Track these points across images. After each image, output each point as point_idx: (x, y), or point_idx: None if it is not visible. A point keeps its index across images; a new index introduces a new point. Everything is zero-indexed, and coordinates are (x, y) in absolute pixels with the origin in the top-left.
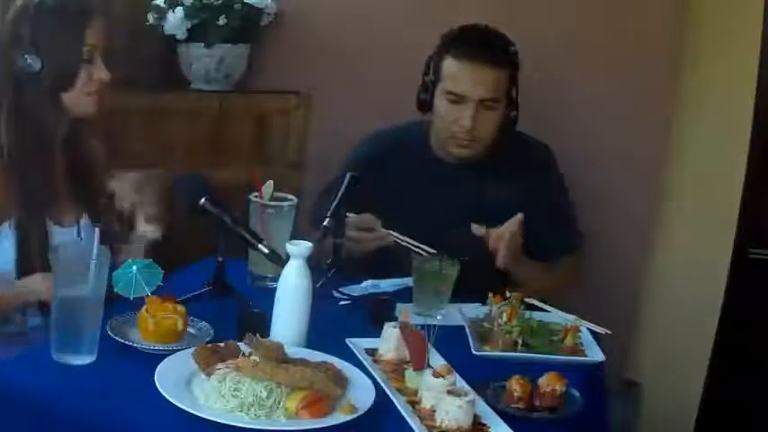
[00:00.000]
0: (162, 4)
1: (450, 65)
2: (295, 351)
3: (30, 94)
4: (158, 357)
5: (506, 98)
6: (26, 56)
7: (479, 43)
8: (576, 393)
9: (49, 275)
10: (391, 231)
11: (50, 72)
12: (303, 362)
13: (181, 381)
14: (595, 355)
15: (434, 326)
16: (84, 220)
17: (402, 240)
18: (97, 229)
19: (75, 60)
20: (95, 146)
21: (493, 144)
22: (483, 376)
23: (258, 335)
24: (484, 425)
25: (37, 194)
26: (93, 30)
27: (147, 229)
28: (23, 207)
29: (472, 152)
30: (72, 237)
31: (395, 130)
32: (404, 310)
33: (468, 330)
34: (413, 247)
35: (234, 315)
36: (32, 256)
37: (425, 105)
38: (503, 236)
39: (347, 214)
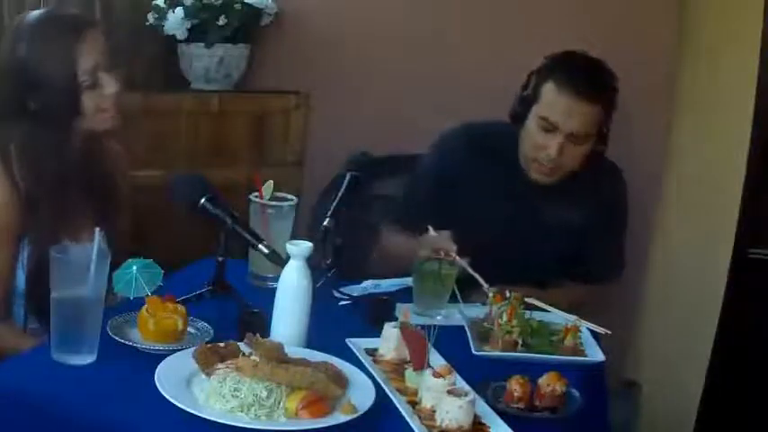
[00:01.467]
0: (162, 4)
1: (549, 91)
2: (295, 351)
3: (39, 129)
4: (158, 357)
5: (597, 133)
6: (26, 100)
7: (583, 76)
8: (576, 393)
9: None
10: (463, 261)
11: (51, 109)
12: (303, 362)
13: (181, 381)
14: (595, 355)
15: (434, 326)
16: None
17: (468, 270)
18: (97, 230)
19: (75, 90)
20: (115, 157)
21: (573, 171)
22: (483, 376)
23: (258, 335)
24: (484, 425)
25: (52, 220)
26: (89, 48)
27: None
28: (38, 233)
29: (552, 180)
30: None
31: (486, 127)
32: (404, 310)
33: (468, 330)
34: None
35: (234, 315)
36: (43, 277)
37: (517, 119)
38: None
39: (428, 228)
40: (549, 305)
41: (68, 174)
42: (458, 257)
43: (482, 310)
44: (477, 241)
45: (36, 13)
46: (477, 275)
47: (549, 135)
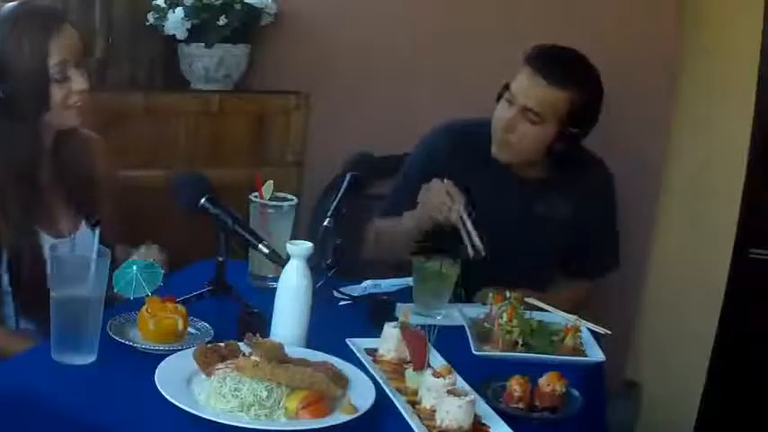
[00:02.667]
0: (162, 4)
1: (522, 71)
2: (295, 351)
3: (5, 120)
4: (158, 357)
5: (557, 120)
6: None
7: (553, 60)
8: (576, 393)
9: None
10: (463, 214)
11: (20, 99)
12: (303, 362)
13: (181, 381)
14: (595, 355)
15: (434, 326)
16: (82, 230)
17: (465, 225)
18: (98, 230)
19: (44, 83)
20: (91, 151)
21: (548, 161)
22: (483, 376)
23: (258, 335)
24: (484, 425)
25: (23, 211)
26: (62, 43)
27: None
28: (12, 227)
29: (509, 157)
30: (67, 249)
31: (469, 125)
32: (404, 310)
33: (468, 330)
34: (468, 236)
35: (234, 315)
36: (23, 272)
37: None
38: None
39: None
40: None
41: (38, 166)
42: (462, 208)
43: (482, 310)
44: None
45: (10, 4)
46: (472, 230)
47: (508, 107)
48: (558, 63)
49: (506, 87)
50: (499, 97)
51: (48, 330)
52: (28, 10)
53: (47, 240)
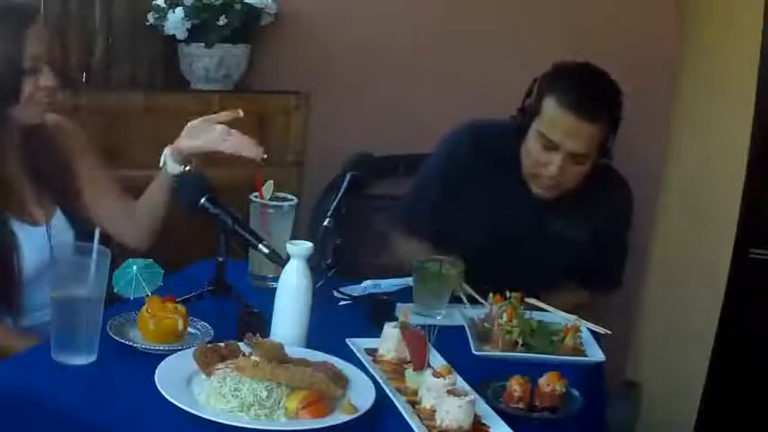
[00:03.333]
0: (162, 4)
1: (549, 106)
2: (295, 351)
3: None
4: (158, 357)
5: (598, 150)
6: None
7: (585, 94)
8: (576, 393)
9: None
10: (466, 286)
11: None
12: (303, 362)
13: (181, 381)
14: (595, 355)
15: (434, 326)
16: (56, 219)
17: (470, 295)
18: (97, 230)
19: (17, 73)
20: (58, 141)
21: (576, 187)
22: (483, 376)
23: (258, 335)
24: (484, 425)
25: None
26: (35, 39)
27: None
28: None
29: (552, 195)
30: (41, 236)
31: (492, 128)
32: (404, 310)
33: (468, 330)
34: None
35: (234, 315)
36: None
37: (519, 131)
38: None
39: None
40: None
41: (4, 158)
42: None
43: (482, 311)
44: (478, 247)
45: None
46: (478, 298)
47: (550, 153)
48: (592, 95)
49: (524, 113)
50: (518, 129)
51: (16, 315)
52: (3, 4)
53: (20, 227)
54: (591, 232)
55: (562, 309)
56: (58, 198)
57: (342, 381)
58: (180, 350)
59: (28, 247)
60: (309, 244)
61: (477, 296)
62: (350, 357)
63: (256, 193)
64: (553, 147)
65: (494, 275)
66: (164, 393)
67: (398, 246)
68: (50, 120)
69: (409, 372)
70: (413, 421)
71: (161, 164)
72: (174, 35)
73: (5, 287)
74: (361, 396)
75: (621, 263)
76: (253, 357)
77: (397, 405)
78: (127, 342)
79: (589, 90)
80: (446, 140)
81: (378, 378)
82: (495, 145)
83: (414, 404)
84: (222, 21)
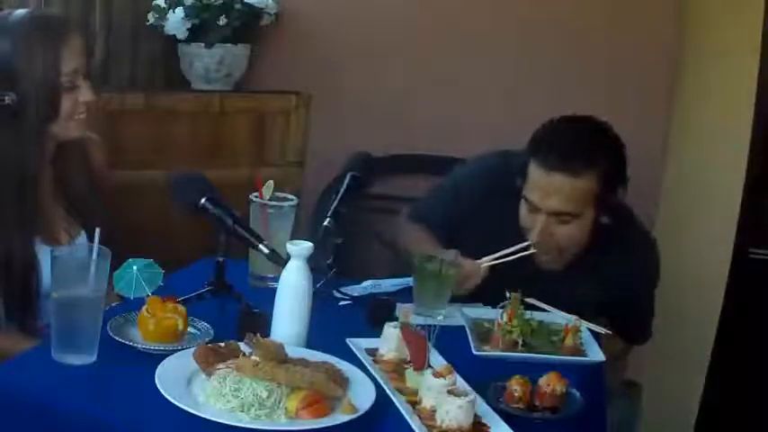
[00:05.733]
0: (162, 4)
1: (531, 169)
2: (295, 351)
3: (11, 127)
4: (158, 357)
5: (594, 207)
6: (5, 93)
7: (561, 149)
8: (576, 393)
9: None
10: (485, 266)
11: (31, 106)
12: (303, 362)
13: (181, 381)
14: (595, 355)
15: (434, 326)
16: (80, 238)
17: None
18: (98, 230)
19: (56, 91)
20: (89, 158)
21: (582, 248)
22: (483, 376)
23: (258, 335)
24: (484, 425)
25: (22, 221)
26: (71, 52)
27: None
28: (7, 234)
29: (557, 264)
30: None
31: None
32: (404, 310)
33: (468, 330)
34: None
35: (234, 315)
36: (15, 283)
37: (520, 191)
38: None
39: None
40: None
41: (40, 176)
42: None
43: (484, 311)
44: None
45: (21, 12)
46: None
47: (533, 215)
48: (570, 149)
49: (520, 177)
50: (518, 191)
51: (29, 329)
52: (40, 17)
53: (44, 250)
54: (613, 291)
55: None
56: (85, 220)
57: (342, 381)
58: (180, 350)
59: (47, 264)
60: (309, 244)
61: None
62: (350, 357)
63: (256, 193)
64: (534, 209)
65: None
66: (164, 393)
67: (404, 231)
68: (82, 134)
69: (409, 372)
70: (413, 421)
71: None
72: (174, 35)
73: (23, 307)
74: (361, 396)
75: (648, 316)
76: (253, 357)
77: (397, 405)
78: (127, 342)
79: (567, 145)
80: (477, 166)
81: (378, 378)
82: (516, 182)
83: (414, 404)
84: (222, 21)
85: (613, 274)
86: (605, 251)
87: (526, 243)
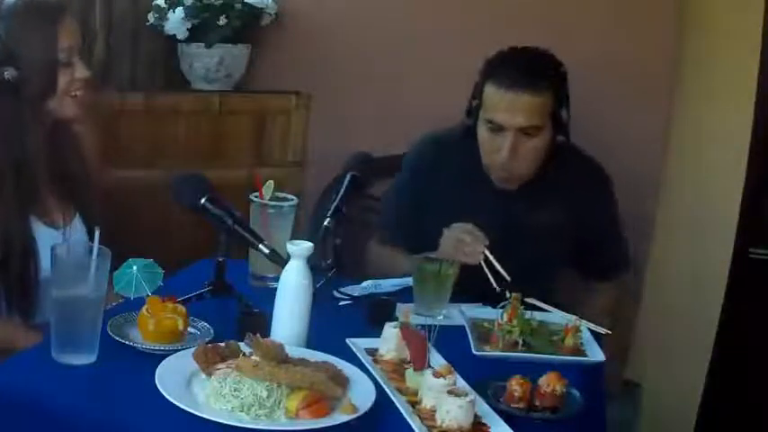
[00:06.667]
0: (162, 4)
1: (489, 92)
2: (295, 351)
3: (10, 103)
4: (158, 357)
5: (551, 122)
6: (4, 69)
7: (519, 69)
8: (576, 393)
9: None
10: (487, 251)
11: (29, 81)
12: (303, 362)
13: (181, 381)
14: (595, 355)
15: (434, 326)
16: (74, 224)
17: (491, 263)
18: (97, 229)
19: (53, 66)
20: (83, 142)
21: (540, 169)
22: (483, 376)
23: (258, 335)
24: (484, 425)
25: (19, 198)
26: (66, 30)
27: None
28: (5, 211)
29: (513, 184)
30: (60, 238)
31: (448, 137)
32: (404, 310)
33: (468, 330)
34: (493, 271)
35: (234, 315)
36: (13, 259)
37: (470, 131)
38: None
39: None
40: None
41: (37, 154)
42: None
43: (484, 311)
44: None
45: None
46: (498, 266)
47: (499, 136)
48: (527, 69)
49: (470, 113)
50: (468, 130)
51: (29, 315)
52: (33, 1)
53: (41, 229)
54: (574, 216)
55: (603, 316)
56: (78, 200)
57: (342, 381)
58: (180, 350)
59: (45, 249)
60: (309, 244)
61: (500, 269)
62: (350, 357)
63: (256, 193)
64: (500, 128)
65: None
66: (164, 393)
67: (380, 258)
68: (77, 115)
69: (409, 372)
70: (413, 421)
71: None
72: (174, 35)
73: (22, 290)
74: (361, 396)
75: (618, 241)
76: (253, 357)
77: (397, 405)
78: (127, 342)
79: (523, 64)
80: (406, 159)
81: (378, 378)
82: (454, 150)
83: (414, 404)
84: (222, 21)
85: (577, 194)
86: (565, 170)
87: None
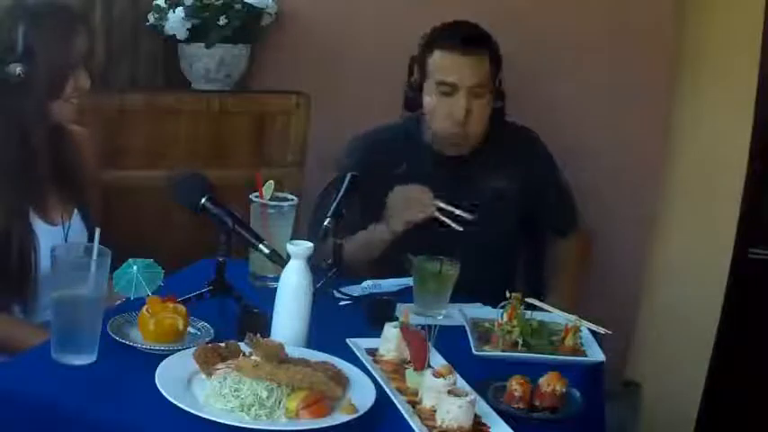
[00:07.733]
0: (162, 4)
1: (438, 57)
2: (295, 351)
3: (16, 101)
4: (158, 357)
5: (491, 86)
6: (16, 65)
7: (464, 35)
8: (576, 393)
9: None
10: (438, 200)
11: (40, 81)
12: (303, 362)
13: (181, 381)
14: (595, 355)
15: (434, 326)
16: (73, 221)
17: (446, 210)
18: (98, 230)
19: (66, 70)
20: (81, 143)
21: (485, 135)
22: (483, 376)
23: (258, 335)
24: (484, 425)
25: (19, 193)
26: (82, 39)
27: None
28: (4, 206)
29: (466, 148)
30: (59, 237)
31: (384, 130)
32: (404, 310)
33: (468, 330)
34: (450, 216)
35: (234, 315)
36: (12, 254)
37: (414, 104)
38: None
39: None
40: (563, 271)
41: (39, 151)
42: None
43: (484, 311)
44: (420, 233)
45: None
46: (454, 210)
47: (452, 98)
48: (475, 37)
49: (414, 87)
50: (411, 104)
51: (29, 312)
52: (56, 3)
53: (39, 226)
54: (519, 178)
55: (571, 270)
56: (77, 199)
57: (342, 381)
58: (180, 350)
59: (45, 246)
60: (309, 244)
61: (459, 211)
62: (350, 357)
63: (256, 193)
64: (452, 88)
65: (450, 249)
66: (164, 393)
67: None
68: (74, 125)
69: (409, 372)
70: (413, 421)
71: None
72: (174, 35)
73: (22, 285)
74: (361, 396)
75: (568, 197)
76: (253, 357)
77: (397, 405)
78: (127, 342)
79: (467, 32)
80: (340, 161)
81: (378, 378)
82: (395, 139)
83: (414, 404)
84: (222, 21)
85: (519, 157)
86: (503, 135)
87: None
